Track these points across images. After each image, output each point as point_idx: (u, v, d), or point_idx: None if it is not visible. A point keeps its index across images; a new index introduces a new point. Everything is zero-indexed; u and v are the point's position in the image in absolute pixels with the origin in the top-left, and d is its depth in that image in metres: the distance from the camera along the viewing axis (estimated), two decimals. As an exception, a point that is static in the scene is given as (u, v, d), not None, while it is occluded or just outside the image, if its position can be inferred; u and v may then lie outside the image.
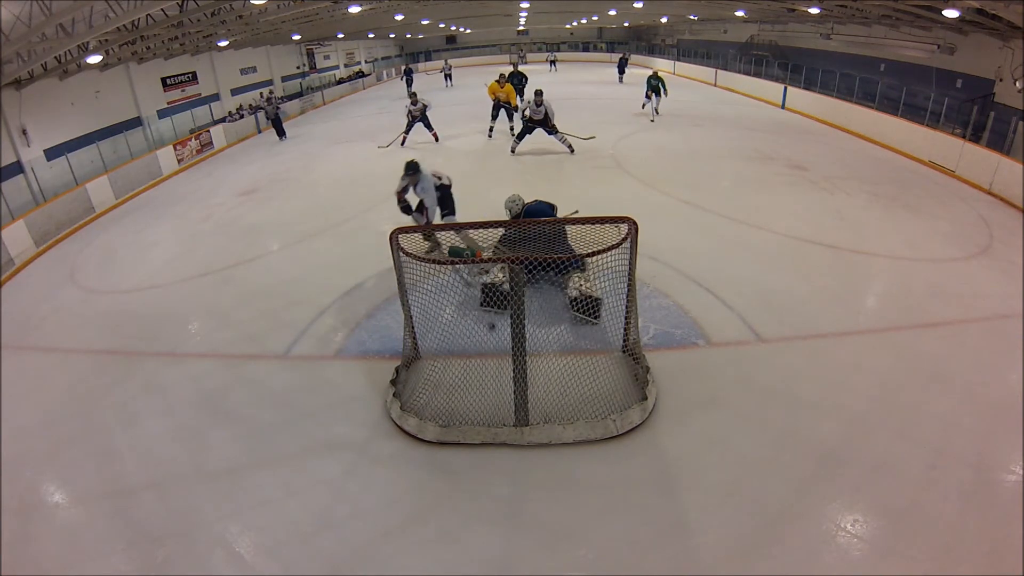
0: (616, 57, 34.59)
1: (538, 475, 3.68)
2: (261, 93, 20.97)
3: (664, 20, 27.96)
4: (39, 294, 7.31)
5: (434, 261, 3.91)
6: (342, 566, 3.16)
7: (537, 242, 4.47)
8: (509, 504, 3.50)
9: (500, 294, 5.10)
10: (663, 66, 27.89)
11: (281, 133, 15.89)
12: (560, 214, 6.11)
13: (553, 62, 30.50)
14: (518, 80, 15.42)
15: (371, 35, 30.54)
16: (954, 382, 4.38)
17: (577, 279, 5.22)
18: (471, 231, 4.78)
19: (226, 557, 3.27)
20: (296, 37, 21.41)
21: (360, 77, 29.60)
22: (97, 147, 12.17)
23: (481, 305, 5.10)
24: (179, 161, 13.78)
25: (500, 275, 5.24)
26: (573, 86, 23.16)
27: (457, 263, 3.98)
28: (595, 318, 5.01)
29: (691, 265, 6.28)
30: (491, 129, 13.30)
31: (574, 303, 5.06)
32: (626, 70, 23.21)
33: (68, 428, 4.49)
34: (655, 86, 14.48)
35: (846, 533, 3.18)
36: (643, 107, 14.94)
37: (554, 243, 4.63)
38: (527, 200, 5.79)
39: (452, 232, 5.15)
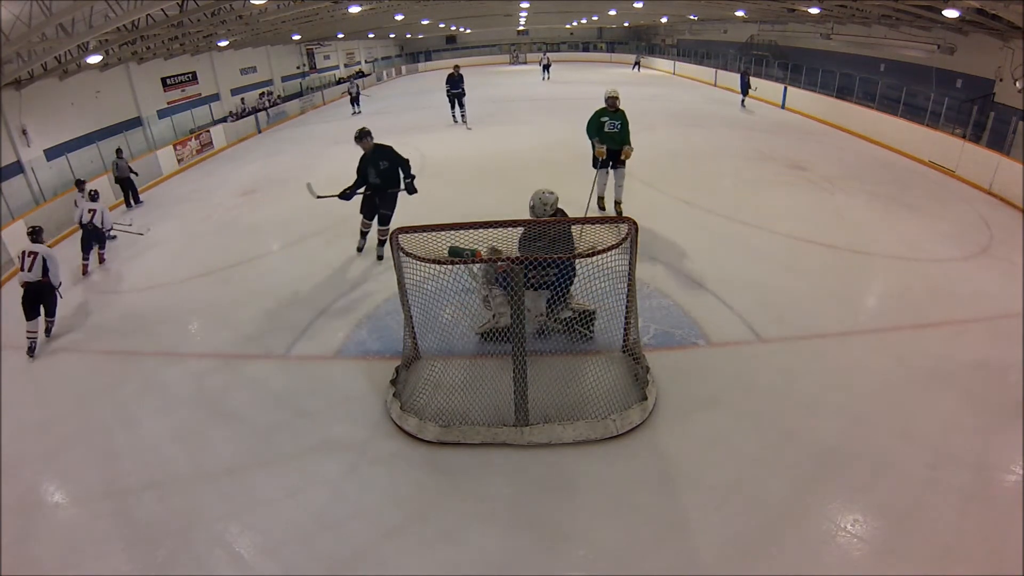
0: (612, 57, 34.75)
1: (538, 475, 3.68)
2: (249, 97, 20.93)
3: (664, 20, 27.98)
4: (39, 294, 7.30)
5: (434, 261, 3.90)
6: (342, 566, 3.16)
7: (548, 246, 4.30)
8: (509, 504, 3.50)
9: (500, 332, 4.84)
10: (663, 66, 27.94)
11: (133, 199, 10.95)
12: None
13: (547, 67, 26.01)
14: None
15: (371, 35, 30.56)
16: (954, 382, 4.38)
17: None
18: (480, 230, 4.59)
19: (226, 557, 3.27)
20: (296, 37, 21.42)
21: (360, 77, 29.61)
22: (97, 147, 12.17)
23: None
24: (179, 161, 13.79)
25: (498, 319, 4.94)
26: (572, 86, 23.19)
27: (457, 263, 3.97)
28: (591, 331, 4.86)
29: (691, 265, 6.28)
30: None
31: (568, 323, 4.90)
32: (749, 91, 16.93)
33: (68, 428, 4.49)
34: (620, 143, 7.15)
35: (846, 533, 3.18)
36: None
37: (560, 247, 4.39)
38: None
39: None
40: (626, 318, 4.43)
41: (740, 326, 5.19)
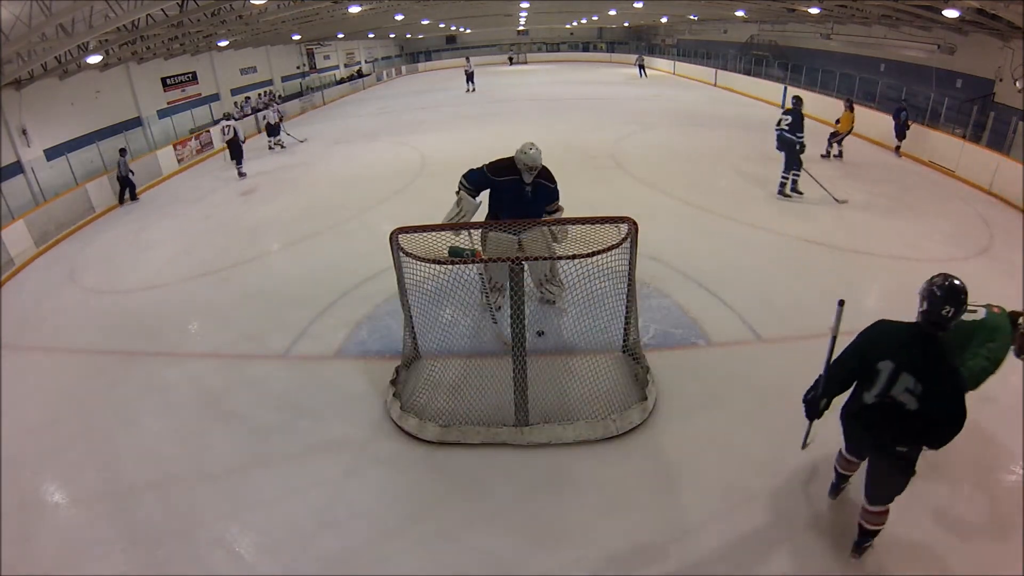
0: (613, 57, 34.62)
1: (538, 475, 3.68)
2: (256, 95, 20.93)
3: (664, 20, 27.97)
4: (39, 294, 7.32)
5: (434, 261, 3.90)
6: (342, 566, 3.16)
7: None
8: (509, 504, 3.50)
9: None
10: (663, 66, 27.90)
11: (131, 197, 11.31)
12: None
13: (471, 75, 22.62)
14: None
15: (371, 35, 30.57)
16: (954, 382, 4.37)
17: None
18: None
19: (226, 557, 3.27)
20: (296, 37, 21.42)
21: (360, 77, 29.61)
22: (97, 147, 12.17)
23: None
24: (179, 161, 13.78)
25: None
26: (572, 86, 23.19)
27: (457, 263, 3.97)
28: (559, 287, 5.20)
29: (691, 265, 6.28)
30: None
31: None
32: (907, 131, 10.86)
33: (68, 428, 4.49)
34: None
35: (846, 533, 3.18)
36: None
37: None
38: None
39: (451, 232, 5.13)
40: (626, 318, 4.43)
41: (740, 326, 5.19)
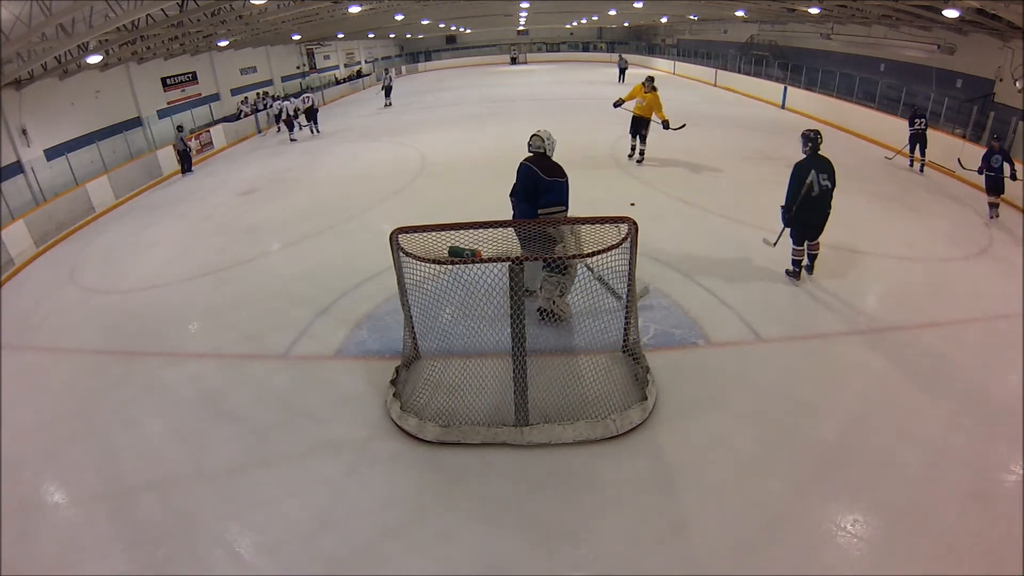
0: (612, 57, 34.39)
1: (538, 475, 3.68)
2: (255, 94, 20.94)
3: (664, 20, 27.97)
4: (39, 294, 7.32)
5: (434, 261, 3.90)
6: (342, 566, 3.16)
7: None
8: (509, 504, 3.50)
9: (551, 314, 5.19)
10: (663, 66, 27.89)
11: (185, 168, 13.24)
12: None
13: (388, 88, 21.00)
14: None
15: (371, 35, 30.56)
16: (954, 382, 4.38)
17: (549, 286, 5.11)
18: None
19: (226, 557, 3.27)
20: (296, 37, 21.41)
21: (360, 77, 29.61)
22: (97, 147, 12.17)
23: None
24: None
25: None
26: (572, 86, 23.19)
27: (457, 263, 3.97)
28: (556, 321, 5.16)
29: (691, 265, 6.28)
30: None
31: (541, 313, 5.18)
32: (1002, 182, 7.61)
33: (68, 428, 4.49)
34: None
35: (846, 533, 3.18)
36: None
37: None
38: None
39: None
40: (626, 318, 4.44)
41: (740, 326, 5.19)
